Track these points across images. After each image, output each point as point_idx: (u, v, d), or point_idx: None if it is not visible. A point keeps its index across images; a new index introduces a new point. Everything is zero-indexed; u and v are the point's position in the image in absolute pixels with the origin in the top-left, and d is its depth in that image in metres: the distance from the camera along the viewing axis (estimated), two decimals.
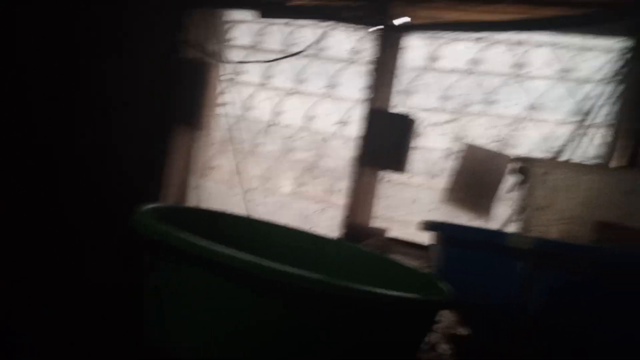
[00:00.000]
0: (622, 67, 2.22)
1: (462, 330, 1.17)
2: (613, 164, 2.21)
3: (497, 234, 0.83)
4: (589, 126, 2.32)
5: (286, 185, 2.96)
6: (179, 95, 2.59)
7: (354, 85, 2.77)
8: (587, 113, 2.32)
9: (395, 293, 0.57)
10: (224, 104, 2.89)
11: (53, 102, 1.27)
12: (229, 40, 2.90)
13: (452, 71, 2.63)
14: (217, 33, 2.78)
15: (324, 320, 0.53)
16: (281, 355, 0.53)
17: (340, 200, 2.81)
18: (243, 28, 2.92)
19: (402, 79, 2.69)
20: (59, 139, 1.30)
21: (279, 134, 2.92)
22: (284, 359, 0.53)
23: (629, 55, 2.21)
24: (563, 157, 2.32)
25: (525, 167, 1.77)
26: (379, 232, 2.66)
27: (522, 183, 1.79)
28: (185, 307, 0.57)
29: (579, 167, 1.71)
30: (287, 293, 0.51)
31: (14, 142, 1.20)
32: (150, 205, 0.71)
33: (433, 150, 2.65)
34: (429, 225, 0.91)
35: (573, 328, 0.71)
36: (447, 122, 2.62)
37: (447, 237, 0.86)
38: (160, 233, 0.56)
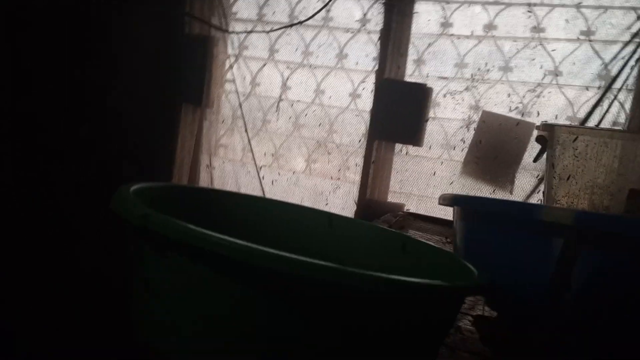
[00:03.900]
0: None
1: (488, 313, 1.09)
2: None
3: (529, 207, 0.74)
4: (616, 90, 2.18)
5: (299, 162, 2.88)
6: (184, 72, 2.51)
7: (365, 55, 2.65)
8: (614, 76, 2.19)
9: (414, 280, 0.49)
10: (232, 80, 2.80)
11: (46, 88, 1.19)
12: (233, 13, 2.80)
13: (468, 37, 2.50)
14: (220, 6, 2.67)
15: (332, 313, 0.46)
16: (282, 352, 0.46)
17: (354, 176, 2.73)
18: (247, 0, 2.81)
19: (415, 46, 2.57)
20: (50, 125, 1.22)
21: (289, 110, 2.83)
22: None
23: None
24: (590, 123, 2.19)
25: (551, 134, 1.66)
26: (397, 207, 2.57)
27: (547, 151, 1.68)
28: (173, 300, 0.50)
29: (609, 133, 1.59)
30: (283, 280, 0.43)
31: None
32: (138, 185, 0.64)
33: (451, 121, 2.53)
34: (450, 200, 0.82)
35: (615, 313, 0.62)
36: (464, 90, 2.50)
37: (470, 212, 0.77)
38: (140, 216, 0.49)
